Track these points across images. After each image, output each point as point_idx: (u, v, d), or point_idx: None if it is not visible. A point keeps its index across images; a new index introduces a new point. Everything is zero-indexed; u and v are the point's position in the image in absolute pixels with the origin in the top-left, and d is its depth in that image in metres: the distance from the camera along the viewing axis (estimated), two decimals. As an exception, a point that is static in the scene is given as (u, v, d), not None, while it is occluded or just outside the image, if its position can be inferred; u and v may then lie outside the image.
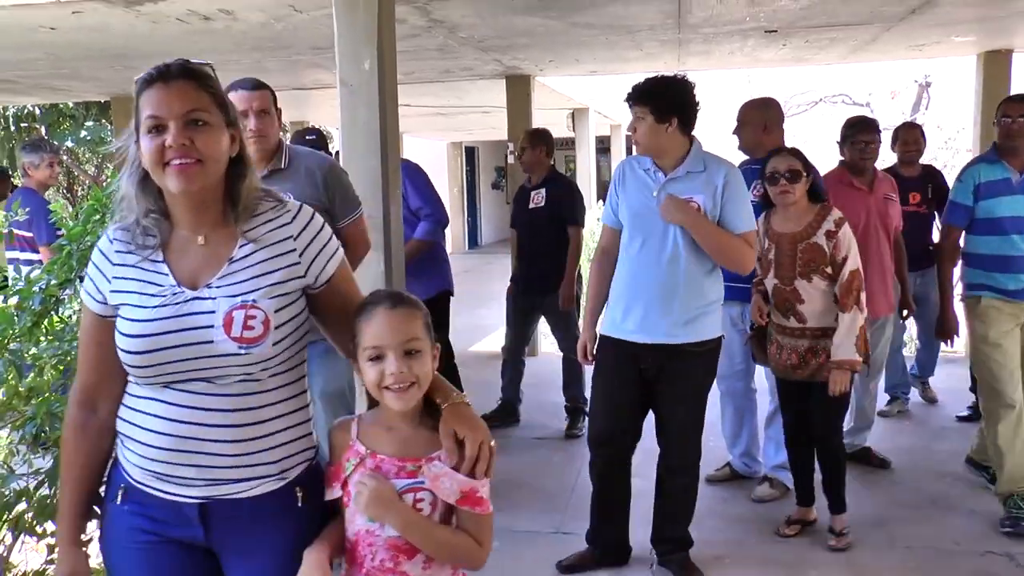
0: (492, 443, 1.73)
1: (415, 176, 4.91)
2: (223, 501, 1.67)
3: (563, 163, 22.49)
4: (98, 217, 2.17)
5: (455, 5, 4.85)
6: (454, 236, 18.41)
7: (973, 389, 5.26)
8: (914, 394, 5.97)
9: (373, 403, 1.82)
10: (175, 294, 1.65)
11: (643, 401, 3.47)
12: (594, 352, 3.57)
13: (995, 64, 7.17)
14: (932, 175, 5.55)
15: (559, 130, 14.08)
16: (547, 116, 11.72)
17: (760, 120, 4.39)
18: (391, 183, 4.10)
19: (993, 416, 4.00)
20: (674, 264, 3.32)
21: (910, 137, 5.46)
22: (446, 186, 19.36)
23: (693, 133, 3.43)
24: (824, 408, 3.74)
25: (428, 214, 4.86)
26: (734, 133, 4.50)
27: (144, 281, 1.67)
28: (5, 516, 2.29)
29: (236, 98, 3.29)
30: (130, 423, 1.70)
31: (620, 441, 3.53)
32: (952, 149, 15.60)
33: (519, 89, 8.14)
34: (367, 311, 1.74)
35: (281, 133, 3.54)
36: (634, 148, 3.51)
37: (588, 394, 5.30)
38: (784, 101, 18.48)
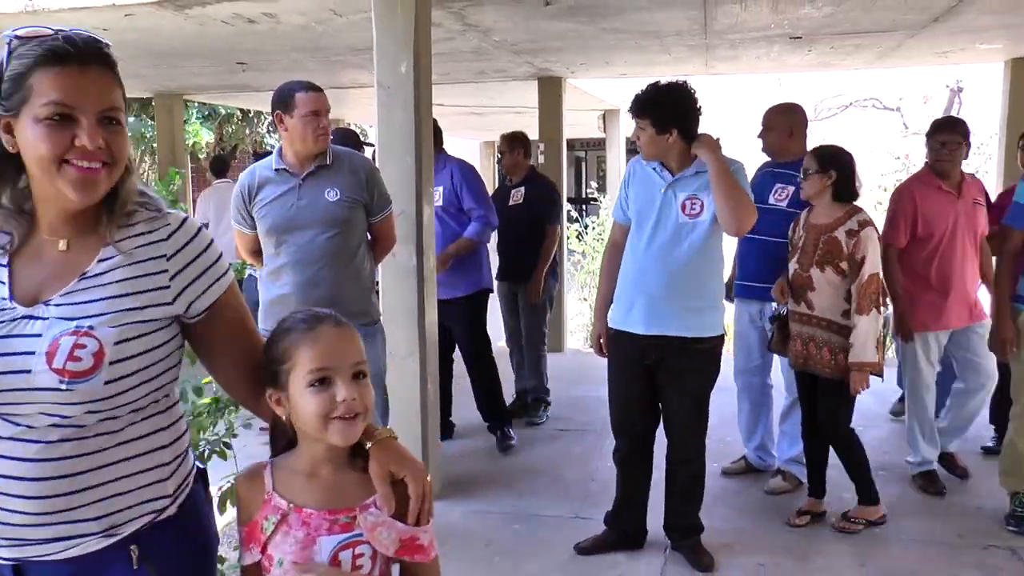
0: (428, 479, 1.54)
1: (470, 177, 5.13)
2: (38, 562, 1.42)
3: (595, 163, 22.64)
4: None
5: (489, 11, 5.04)
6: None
7: (996, 420, 4.87)
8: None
9: (287, 446, 1.60)
10: (3, 310, 1.38)
11: (653, 391, 3.63)
12: (607, 345, 3.73)
13: (1022, 71, 7.24)
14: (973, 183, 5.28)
15: (590, 131, 14.29)
16: (578, 116, 11.88)
17: (786, 125, 4.50)
18: (424, 180, 4.31)
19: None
20: (678, 259, 3.46)
21: (948, 140, 5.19)
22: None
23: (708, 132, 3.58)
24: (827, 402, 3.93)
25: (480, 215, 5.05)
26: (759, 136, 4.61)
27: None
28: None
29: (307, 99, 3.51)
30: None
31: (635, 430, 3.72)
32: (984, 155, 15.55)
33: (551, 90, 8.31)
34: (304, 331, 1.51)
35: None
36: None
37: (549, 385, 5.92)
38: (814, 104, 18.57)
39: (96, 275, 1.41)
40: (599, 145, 17.00)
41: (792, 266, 4.01)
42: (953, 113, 16.10)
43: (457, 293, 5.10)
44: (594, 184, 12.87)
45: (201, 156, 14.43)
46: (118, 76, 1.43)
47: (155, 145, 12.57)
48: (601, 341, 3.76)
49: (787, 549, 3.84)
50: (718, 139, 3.50)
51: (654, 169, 3.58)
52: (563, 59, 7.14)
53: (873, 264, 3.78)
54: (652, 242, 3.51)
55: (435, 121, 4.73)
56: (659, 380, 3.59)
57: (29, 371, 1.33)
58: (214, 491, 2.87)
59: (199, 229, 1.53)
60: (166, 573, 1.50)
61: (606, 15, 5.20)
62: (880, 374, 3.83)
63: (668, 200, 3.51)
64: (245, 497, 1.56)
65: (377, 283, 4.13)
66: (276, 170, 3.58)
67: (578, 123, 12.68)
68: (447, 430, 5.28)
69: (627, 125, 13.92)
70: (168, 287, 1.46)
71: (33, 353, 1.34)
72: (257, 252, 3.71)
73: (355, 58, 6.84)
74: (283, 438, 1.59)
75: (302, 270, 3.55)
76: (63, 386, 1.34)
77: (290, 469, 1.55)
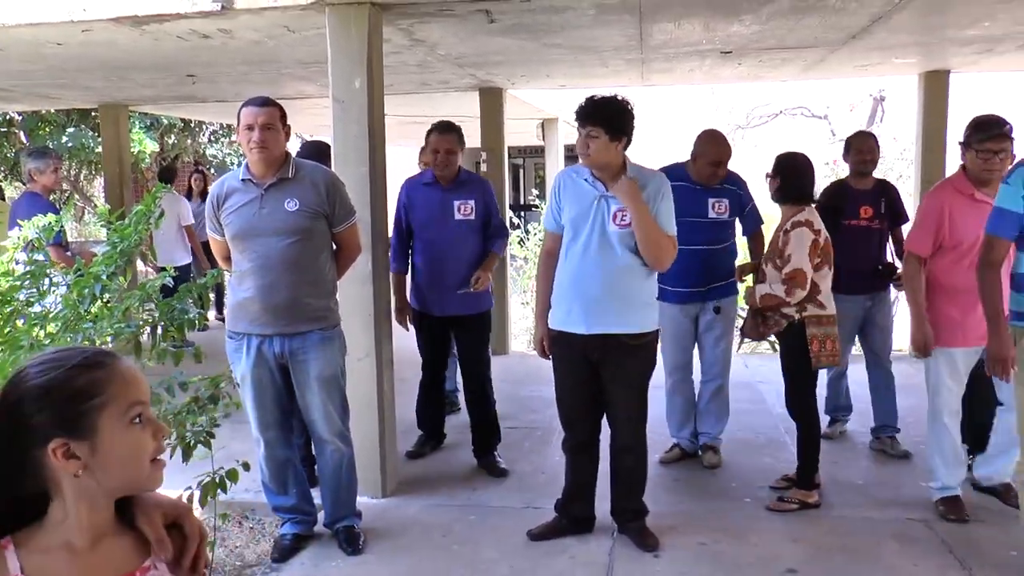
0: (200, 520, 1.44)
1: (493, 192, 5.24)
2: None
3: (532, 170, 22.97)
4: (145, 217, 2.60)
5: (435, 28, 5.27)
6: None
7: (970, 446, 4.49)
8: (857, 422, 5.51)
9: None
10: None
11: (597, 386, 3.88)
12: (551, 347, 3.96)
13: (934, 83, 7.73)
14: (886, 188, 5.22)
15: (528, 138, 14.60)
16: (517, 125, 12.17)
17: (714, 155, 4.76)
18: (378, 188, 4.53)
19: None
20: (611, 263, 3.71)
21: (864, 146, 5.16)
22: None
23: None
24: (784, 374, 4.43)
25: (503, 230, 5.21)
26: (690, 159, 4.86)
27: None
28: None
29: (244, 113, 3.74)
30: None
31: (582, 423, 3.98)
32: (907, 160, 16.24)
33: (492, 101, 8.56)
34: (101, 364, 1.29)
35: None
36: (580, 160, 3.84)
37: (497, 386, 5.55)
38: (746, 112, 19.05)
39: None
40: (536, 152, 17.35)
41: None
42: (876, 121, 16.78)
43: (471, 311, 5.01)
44: (535, 191, 13.15)
45: (143, 165, 14.37)
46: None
47: (99, 152, 12.54)
48: (544, 343, 3.98)
49: (725, 528, 4.14)
50: (633, 180, 3.70)
51: (585, 180, 3.80)
52: (504, 71, 7.40)
53: (798, 261, 4.12)
54: (588, 248, 3.74)
55: (461, 132, 5.01)
56: (603, 375, 3.83)
57: None
58: (193, 484, 3.07)
59: None
60: None
61: (548, 32, 5.47)
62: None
63: (600, 210, 3.73)
64: None
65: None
66: (242, 180, 3.78)
67: (517, 131, 12.97)
68: (439, 440, 5.43)
69: (566, 134, 14.27)
70: None
71: None
72: (229, 258, 3.90)
73: (302, 71, 7.01)
74: None
75: (264, 275, 3.74)
76: None
77: (42, 546, 1.29)
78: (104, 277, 2.47)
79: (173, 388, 2.53)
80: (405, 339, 5.32)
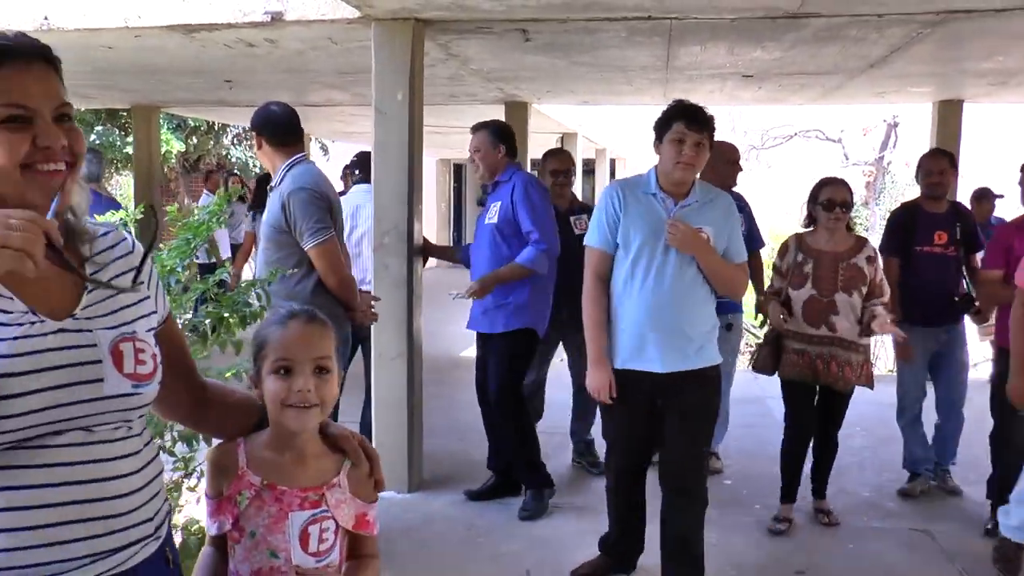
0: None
1: (532, 195, 4.47)
2: None
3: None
4: (216, 216, 2.83)
5: (473, 43, 5.51)
6: (440, 249, 19.04)
7: (992, 492, 4.35)
8: None
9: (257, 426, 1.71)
10: (34, 323, 1.29)
11: (656, 430, 3.50)
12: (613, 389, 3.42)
13: (948, 112, 7.96)
14: (960, 213, 4.87)
15: (547, 152, 14.83)
16: (538, 139, 12.42)
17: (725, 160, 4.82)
18: (415, 199, 4.75)
19: None
20: (689, 291, 3.34)
21: (935, 166, 4.76)
22: (434, 201, 20.03)
23: None
24: (839, 409, 4.34)
25: (537, 240, 4.40)
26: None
27: None
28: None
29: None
30: None
31: (638, 467, 3.65)
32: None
33: (517, 114, 8.78)
34: (280, 322, 1.67)
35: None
36: (656, 174, 3.42)
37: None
38: (761, 133, 19.21)
39: (96, 289, 1.40)
40: (554, 166, 17.66)
41: (803, 293, 4.17)
42: (889, 146, 16.97)
43: (494, 329, 4.52)
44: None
45: (168, 165, 14.67)
46: (60, 72, 1.35)
47: (128, 153, 12.82)
48: (611, 387, 3.41)
49: (736, 532, 4.33)
50: (687, 228, 3.30)
51: (652, 195, 3.40)
52: (532, 86, 7.64)
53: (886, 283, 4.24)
54: (663, 275, 3.33)
55: (508, 128, 4.72)
56: (671, 414, 3.42)
57: (100, 379, 1.32)
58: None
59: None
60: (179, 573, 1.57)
61: (580, 51, 5.70)
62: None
63: None
64: (218, 471, 1.66)
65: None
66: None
67: (536, 145, 13.22)
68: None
69: (583, 148, 14.49)
70: (149, 296, 1.50)
71: (99, 362, 1.33)
72: None
73: (337, 79, 7.26)
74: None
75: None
76: (134, 390, 1.36)
77: (262, 447, 1.67)
78: (179, 269, 2.70)
79: (241, 375, 2.73)
80: (443, 340, 5.38)
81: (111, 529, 1.34)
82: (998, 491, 4.21)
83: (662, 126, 3.34)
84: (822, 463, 4.49)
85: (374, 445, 4.77)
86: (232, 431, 1.72)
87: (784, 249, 4.34)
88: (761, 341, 4.44)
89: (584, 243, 3.54)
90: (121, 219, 3.09)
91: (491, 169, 4.60)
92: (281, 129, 3.83)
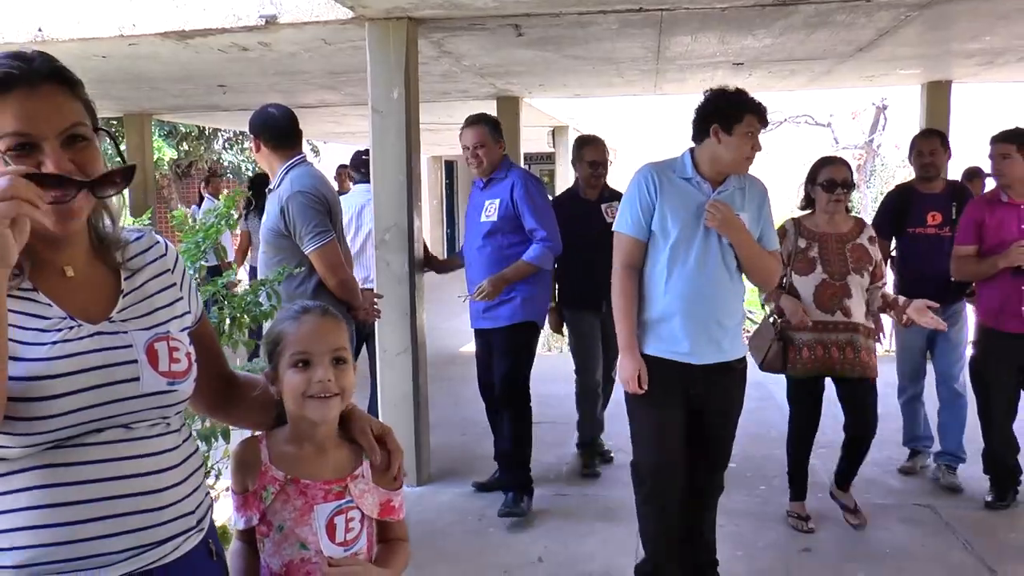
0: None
1: (533, 193, 4.49)
2: (147, 571, 1.39)
3: (541, 176, 23.25)
4: (224, 218, 2.88)
5: (466, 40, 5.55)
6: (432, 246, 19.09)
7: (987, 465, 4.48)
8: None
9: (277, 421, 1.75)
10: (72, 328, 1.35)
11: (689, 425, 3.32)
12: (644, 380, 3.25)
13: (937, 93, 8.03)
14: (958, 191, 4.83)
15: (537, 145, 14.89)
16: (529, 133, 12.47)
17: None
18: (413, 195, 4.80)
19: None
20: (726, 281, 3.24)
21: (925, 147, 4.81)
22: (426, 198, 20.07)
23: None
24: (861, 400, 4.04)
25: (543, 237, 4.40)
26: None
27: (21, 313, 1.33)
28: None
29: None
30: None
31: (677, 469, 3.32)
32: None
33: (508, 109, 8.84)
34: (294, 317, 1.70)
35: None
36: (693, 158, 3.28)
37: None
38: (751, 120, 19.28)
39: (133, 291, 1.47)
40: (544, 159, 17.70)
41: (814, 279, 4.00)
42: (878, 129, 17.06)
43: (498, 323, 4.50)
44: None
45: (160, 172, 14.67)
46: (75, 87, 1.35)
47: (118, 162, 12.77)
48: (640, 376, 3.23)
49: (743, 513, 4.40)
50: (727, 206, 3.18)
51: (687, 180, 3.25)
52: (524, 81, 7.69)
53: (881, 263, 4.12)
54: (703, 264, 3.18)
55: (494, 123, 4.56)
56: (701, 406, 3.29)
57: (137, 378, 1.38)
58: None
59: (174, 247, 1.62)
60: (223, 563, 1.61)
61: (572, 44, 5.75)
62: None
63: None
64: (242, 467, 1.70)
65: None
66: None
67: (527, 138, 13.29)
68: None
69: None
70: (183, 297, 1.56)
71: (135, 362, 1.38)
72: None
73: (330, 80, 7.30)
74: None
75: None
76: (170, 387, 1.42)
77: (283, 442, 1.71)
78: (190, 272, 2.75)
79: (256, 372, 2.79)
80: (441, 336, 5.47)
81: (152, 523, 1.38)
82: (991, 464, 4.44)
83: (730, 116, 3.16)
84: (854, 462, 4.22)
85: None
86: (255, 423, 1.79)
87: (782, 234, 4.03)
88: (759, 328, 4.23)
89: (614, 229, 3.34)
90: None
91: (493, 164, 4.53)
92: (279, 131, 3.84)
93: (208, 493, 1.57)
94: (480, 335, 4.70)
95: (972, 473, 4.67)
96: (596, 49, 5.97)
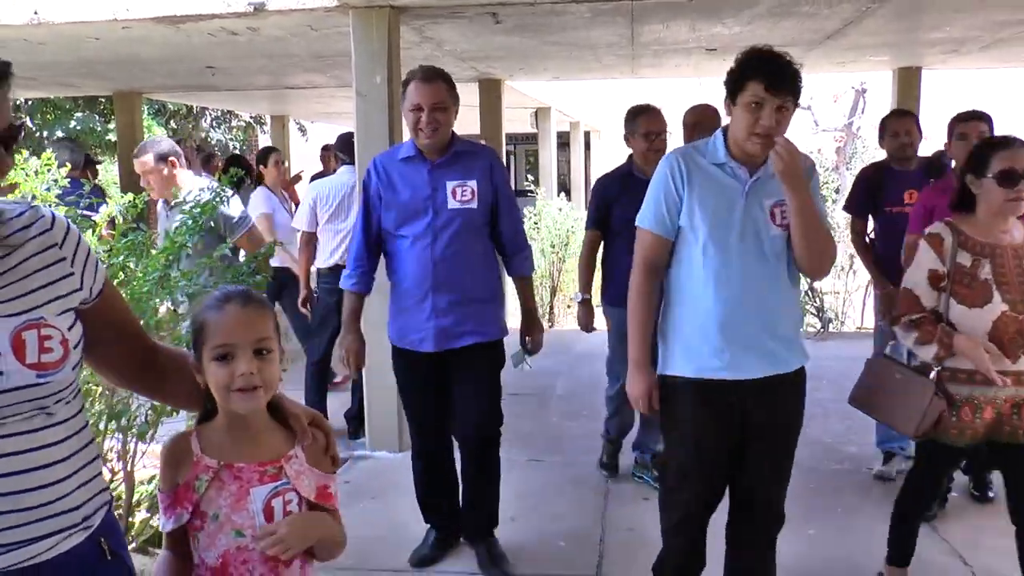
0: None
1: (507, 180, 3.68)
2: (18, 570, 1.34)
3: (523, 156, 23.46)
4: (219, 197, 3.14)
5: (446, 27, 5.77)
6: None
7: (969, 470, 4.10)
8: None
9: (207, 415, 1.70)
10: None
11: (735, 449, 2.77)
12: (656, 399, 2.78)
13: (907, 78, 8.30)
14: (935, 165, 4.39)
15: (520, 126, 15.11)
16: (511, 114, 12.70)
17: (714, 126, 3.87)
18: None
19: None
20: (775, 280, 2.67)
21: (901, 128, 4.59)
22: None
23: None
24: None
25: (524, 242, 3.74)
26: (689, 133, 4.29)
27: None
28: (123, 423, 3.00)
29: None
30: None
31: (714, 496, 2.85)
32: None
33: (491, 92, 9.08)
34: (215, 308, 1.62)
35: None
36: (725, 139, 2.68)
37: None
38: (732, 104, 19.54)
39: (7, 271, 1.37)
40: (527, 139, 17.91)
41: (990, 311, 2.82)
42: (858, 112, 17.34)
43: (465, 341, 3.49)
44: (530, 177, 13.65)
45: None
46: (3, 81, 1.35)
47: (109, 140, 12.95)
48: (651, 397, 2.77)
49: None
50: (794, 147, 2.54)
51: (720, 166, 2.68)
52: (504, 65, 7.91)
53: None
54: (745, 263, 2.62)
55: (453, 83, 3.54)
56: (754, 428, 2.73)
57: (1, 372, 1.29)
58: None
59: (69, 222, 1.52)
60: (124, 565, 1.54)
61: (548, 31, 5.98)
62: None
63: (751, 208, 2.64)
64: (171, 462, 1.64)
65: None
66: None
67: (509, 119, 13.51)
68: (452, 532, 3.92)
69: (558, 121, 14.75)
70: (73, 273, 1.46)
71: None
72: None
73: (316, 63, 7.49)
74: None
75: None
76: (40, 380, 1.33)
77: (214, 431, 1.67)
78: (188, 244, 3.00)
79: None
80: None
81: (19, 522, 1.33)
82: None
83: (733, 84, 2.62)
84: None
85: (366, 407, 5.13)
86: (188, 398, 1.73)
87: (937, 242, 2.93)
88: (901, 379, 3.03)
89: (636, 223, 2.79)
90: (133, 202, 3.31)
91: (447, 135, 3.46)
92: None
93: (105, 488, 1.51)
94: (429, 360, 3.52)
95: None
96: (572, 36, 6.19)
